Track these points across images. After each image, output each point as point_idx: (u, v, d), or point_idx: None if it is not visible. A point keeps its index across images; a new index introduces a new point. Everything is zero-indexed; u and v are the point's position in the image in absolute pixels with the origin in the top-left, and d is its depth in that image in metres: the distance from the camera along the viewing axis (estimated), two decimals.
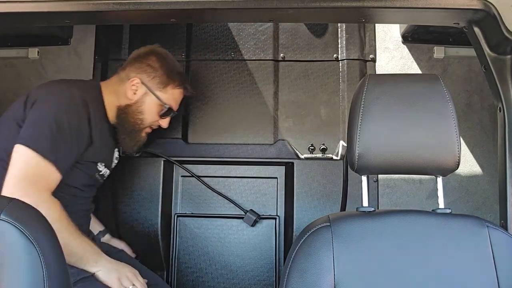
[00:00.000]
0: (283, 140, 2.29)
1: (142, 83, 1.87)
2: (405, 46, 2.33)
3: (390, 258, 1.18)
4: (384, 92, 1.27)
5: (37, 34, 2.35)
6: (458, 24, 1.46)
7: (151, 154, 2.23)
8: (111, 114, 1.87)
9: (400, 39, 2.33)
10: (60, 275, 1.05)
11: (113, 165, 1.97)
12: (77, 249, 1.59)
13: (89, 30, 2.42)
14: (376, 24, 2.34)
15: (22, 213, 1.05)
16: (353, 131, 1.26)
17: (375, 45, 2.34)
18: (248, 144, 2.28)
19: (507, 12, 1.31)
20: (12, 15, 1.44)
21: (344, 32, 2.32)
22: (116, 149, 1.97)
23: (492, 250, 1.19)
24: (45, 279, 1.00)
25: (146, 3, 1.38)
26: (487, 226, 1.22)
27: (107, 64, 2.38)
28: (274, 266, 2.20)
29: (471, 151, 2.30)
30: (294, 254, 1.19)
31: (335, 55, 2.33)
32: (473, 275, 1.17)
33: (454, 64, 2.33)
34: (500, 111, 1.44)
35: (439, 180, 1.31)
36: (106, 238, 2.10)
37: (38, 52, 2.41)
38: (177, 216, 2.25)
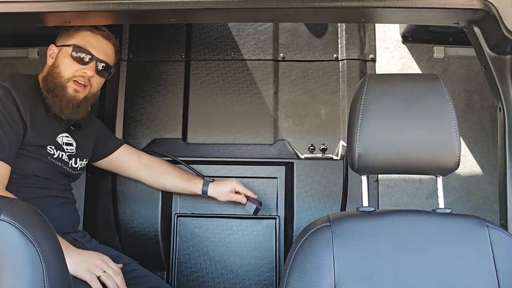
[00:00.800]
0: (283, 140, 2.28)
1: (55, 45, 1.88)
2: (405, 46, 2.33)
3: (390, 257, 1.18)
4: (384, 92, 1.27)
5: (37, 34, 2.34)
6: (458, 24, 1.46)
7: (153, 154, 2.22)
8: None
9: (400, 39, 2.33)
10: (60, 275, 1.06)
11: (73, 150, 1.89)
12: None
13: None
14: (376, 24, 2.34)
15: (22, 213, 1.05)
16: (353, 131, 1.26)
17: (375, 45, 2.34)
18: (248, 144, 2.28)
19: (507, 12, 1.31)
20: (12, 15, 1.44)
21: (344, 32, 2.32)
22: (66, 134, 1.88)
23: (492, 250, 1.19)
24: (45, 279, 1.00)
25: (146, 3, 1.38)
26: (487, 226, 1.22)
27: None
28: (274, 266, 2.20)
29: (471, 151, 2.30)
30: (294, 254, 1.19)
31: (335, 55, 2.33)
32: (473, 274, 1.17)
33: (454, 64, 2.33)
34: (500, 111, 1.44)
35: (439, 180, 1.32)
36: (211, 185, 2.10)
37: (38, 52, 2.42)
38: (177, 216, 2.25)
